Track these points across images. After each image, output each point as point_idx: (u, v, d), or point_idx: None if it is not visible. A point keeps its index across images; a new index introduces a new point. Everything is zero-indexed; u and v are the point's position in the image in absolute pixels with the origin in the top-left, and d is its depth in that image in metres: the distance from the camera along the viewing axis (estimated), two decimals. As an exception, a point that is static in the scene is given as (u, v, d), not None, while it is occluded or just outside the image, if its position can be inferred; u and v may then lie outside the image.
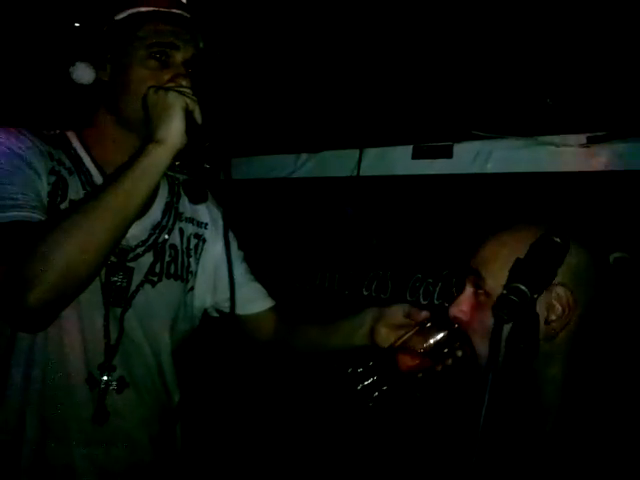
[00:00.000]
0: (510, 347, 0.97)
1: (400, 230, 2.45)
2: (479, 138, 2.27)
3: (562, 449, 1.04)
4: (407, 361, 1.26)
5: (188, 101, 1.29)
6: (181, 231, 1.57)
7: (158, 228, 1.51)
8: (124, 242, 1.37)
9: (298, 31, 2.40)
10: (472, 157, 2.29)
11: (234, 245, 1.66)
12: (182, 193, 1.61)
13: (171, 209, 1.57)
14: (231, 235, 1.60)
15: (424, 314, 1.35)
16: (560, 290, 1.05)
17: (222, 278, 1.59)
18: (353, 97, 2.52)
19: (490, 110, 2.26)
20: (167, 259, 1.52)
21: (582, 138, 2.04)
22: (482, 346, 1.09)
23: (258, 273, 1.75)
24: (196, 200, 1.48)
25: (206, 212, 1.64)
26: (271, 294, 1.73)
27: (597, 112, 2.03)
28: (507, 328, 0.96)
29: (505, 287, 0.98)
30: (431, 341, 1.25)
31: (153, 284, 1.48)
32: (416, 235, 2.41)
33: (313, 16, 2.29)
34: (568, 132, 2.08)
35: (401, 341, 1.30)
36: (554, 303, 1.05)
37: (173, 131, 1.27)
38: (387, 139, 2.48)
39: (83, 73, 1.42)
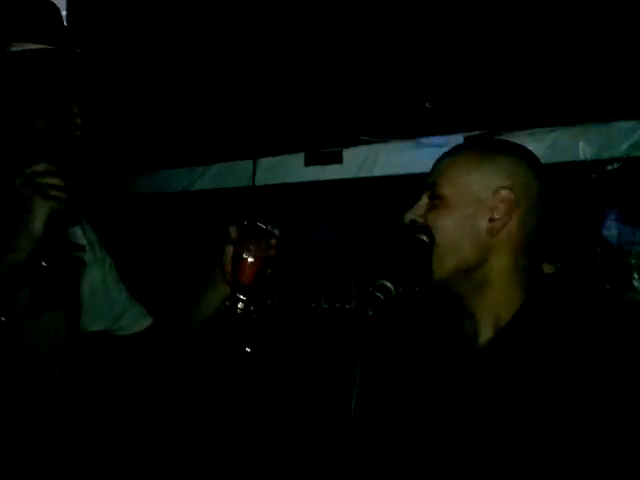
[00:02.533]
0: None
1: (296, 237, 2.51)
2: (366, 143, 2.36)
3: (520, 337, 1.16)
4: (246, 272, 1.37)
5: (53, 204, 1.24)
6: (58, 256, 1.50)
7: (33, 256, 1.39)
8: None
9: (186, 47, 2.44)
10: (361, 161, 2.37)
11: (112, 266, 1.65)
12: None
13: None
14: (108, 257, 1.63)
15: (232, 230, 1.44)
16: (503, 192, 1.19)
17: (109, 301, 1.61)
18: (244, 109, 2.57)
19: (375, 116, 2.36)
20: (47, 288, 1.45)
21: (460, 138, 2.16)
22: (443, 244, 1.19)
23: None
24: (71, 223, 1.47)
25: (82, 234, 1.59)
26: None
27: (471, 113, 2.16)
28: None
29: (371, 285, 1.07)
30: (251, 245, 1.39)
31: (34, 318, 1.41)
32: (311, 240, 2.47)
33: (201, 28, 2.33)
34: (447, 133, 2.19)
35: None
36: (498, 205, 1.19)
37: (32, 233, 1.23)
38: (279, 148, 2.54)
39: None
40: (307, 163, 2.48)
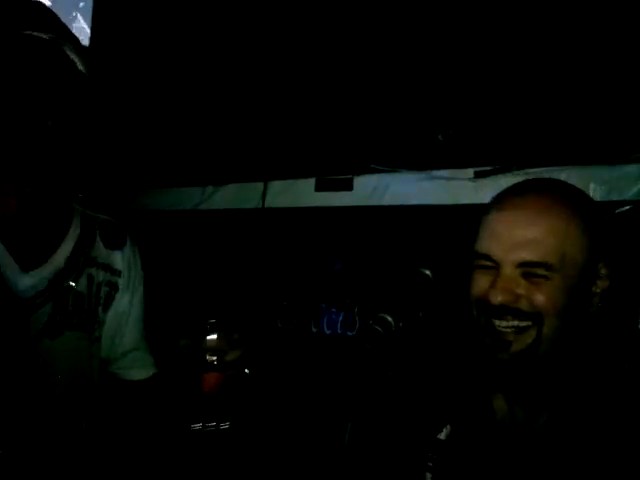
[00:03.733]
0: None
1: (304, 260, 2.52)
2: (377, 172, 2.38)
3: (577, 415, 1.06)
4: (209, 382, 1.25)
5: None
6: (90, 278, 1.42)
7: (61, 275, 1.36)
8: (20, 294, 1.26)
9: (203, 67, 2.46)
10: (371, 190, 2.38)
11: (141, 304, 1.56)
12: (98, 236, 1.45)
13: (80, 253, 1.41)
14: (140, 291, 1.53)
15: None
16: (604, 267, 1.07)
17: (122, 333, 1.52)
18: (258, 132, 2.60)
19: (387, 145, 2.38)
20: (70, 309, 1.37)
21: (470, 172, 2.17)
22: (548, 327, 1.04)
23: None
24: (112, 245, 1.41)
25: (122, 259, 1.49)
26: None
27: (483, 149, 2.17)
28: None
29: (371, 317, 1.02)
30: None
31: (52, 337, 1.34)
32: (320, 264, 2.48)
33: (217, 52, 2.36)
34: (457, 167, 2.21)
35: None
36: (597, 279, 1.07)
37: None
38: (291, 172, 2.55)
39: None
40: (318, 188, 2.50)
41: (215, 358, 1.23)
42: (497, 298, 1.04)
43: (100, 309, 1.44)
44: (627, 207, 1.95)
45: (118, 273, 1.47)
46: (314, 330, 2.51)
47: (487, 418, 1.14)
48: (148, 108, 2.91)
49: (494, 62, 2.09)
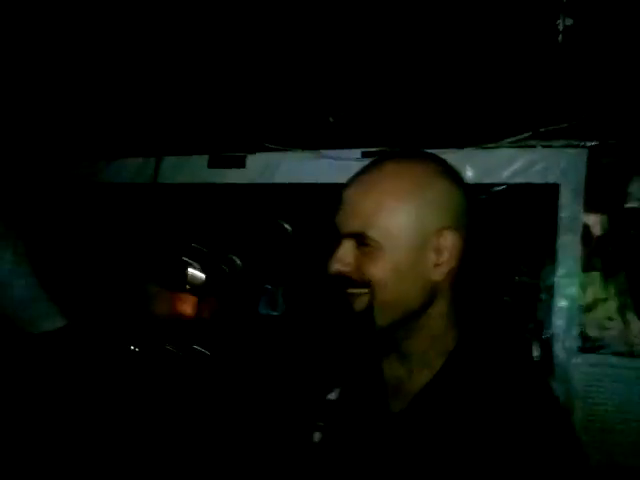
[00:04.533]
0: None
1: (198, 235, 2.53)
2: (270, 150, 2.42)
3: (453, 382, 1.10)
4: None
5: None
6: None
7: None
8: None
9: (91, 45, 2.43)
10: (262, 167, 2.42)
11: (24, 258, 1.56)
12: None
13: None
14: (21, 247, 1.55)
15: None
16: (448, 235, 1.09)
17: (11, 294, 1.53)
18: (151, 107, 2.58)
19: (280, 125, 2.42)
20: None
21: (357, 152, 2.25)
22: (377, 296, 1.08)
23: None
24: None
25: None
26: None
27: (370, 131, 2.25)
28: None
29: (219, 256, 1.04)
30: None
31: None
32: (212, 240, 2.50)
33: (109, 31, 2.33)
34: (346, 147, 2.28)
35: None
36: (442, 248, 1.09)
37: None
38: (184, 148, 2.56)
39: None
40: (211, 165, 2.51)
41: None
42: (332, 268, 1.11)
43: None
44: (502, 187, 2.08)
45: None
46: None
47: (375, 379, 1.20)
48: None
49: (382, 47, 2.17)
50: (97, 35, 2.51)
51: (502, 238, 2.05)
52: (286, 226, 1.15)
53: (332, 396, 1.18)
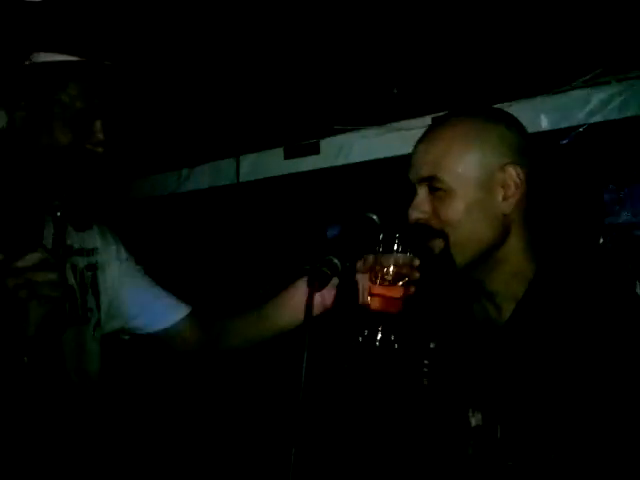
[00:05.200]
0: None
1: (283, 228, 2.60)
2: (341, 132, 2.46)
3: (537, 306, 1.16)
4: (383, 297, 1.16)
5: (49, 307, 1.14)
6: (73, 267, 1.44)
7: None
8: None
9: (153, 54, 2.51)
10: (337, 150, 2.46)
11: (131, 262, 1.59)
12: (67, 224, 1.44)
13: (59, 247, 1.38)
14: (125, 253, 1.56)
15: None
16: (511, 169, 1.16)
17: (124, 299, 1.53)
18: (224, 111, 2.66)
19: (347, 105, 2.45)
20: (66, 305, 1.37)
21: (428, 119, 2.24)
22: (454, 236, 1.16)
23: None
24: (81, 227, 1.44)
25: (94, 236, 1.52)
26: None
27: (437, 95, 2.24)
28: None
29: (319, 260, 1.07)
30: (391, 266, 1.15)
31: (54, 336, 1.33)
32: (298, 230, 2.57)
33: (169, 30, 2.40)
34: (415, 116, 2.28)
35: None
36: (508, 182, 1.16)
37: (25, 336, 1.14)
38: (260, 144, 2.63)
39: None
40: (287, 156, 2.57)
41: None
42: (411, 216, 1.19)
43: (89, 297, 1.45)
44: (581, 129, 2.03)
45: (93, 251, 1.50)
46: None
47: (467, 320, 1.28)
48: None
49: (433, 10, 2.15)
50: (175, 41, 2.59)
51: (587, 180, 2.01)
52: (374, 217, 1.18)
53: (432, 345, 1.29)
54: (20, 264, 1.10)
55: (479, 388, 1.19)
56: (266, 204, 2.63)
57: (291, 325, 1.50)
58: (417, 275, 1.16)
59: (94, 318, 1.47)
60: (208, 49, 2.49)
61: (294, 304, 1.45)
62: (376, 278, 1.16)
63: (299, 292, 1.44)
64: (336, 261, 1.08)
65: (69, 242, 1.45)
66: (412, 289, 1.17)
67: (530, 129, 2.00)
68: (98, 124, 1.32)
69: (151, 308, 1.56)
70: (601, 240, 1.95)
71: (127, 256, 1.58)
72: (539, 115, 2.07)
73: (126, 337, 1.62)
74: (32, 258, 1.10)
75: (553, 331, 1.13)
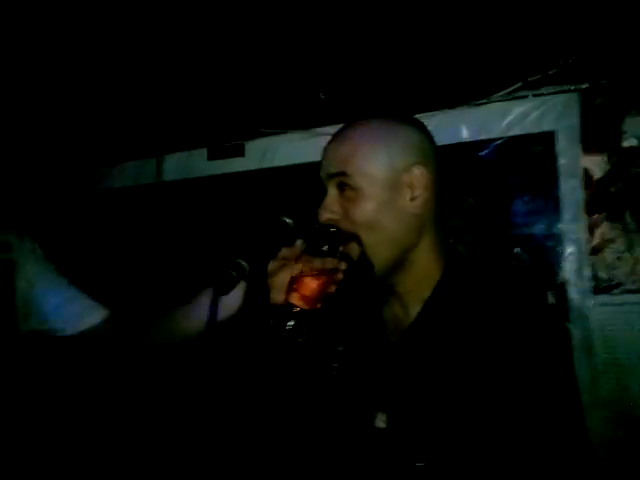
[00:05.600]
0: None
1: (204, 229, 2.56)
2: (266, 135, 2.44)
3: (442, 307, 1.18)
4: (306, 291, 1.14)
5: None
6: None
7: None
8: None
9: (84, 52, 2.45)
10: (262, 153, 2.45)
11: (45, 261, 1.55)
12: None
13: None
14: (40, 251, 1.53)
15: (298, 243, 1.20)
16: (417, 170, 1.18)
17: (38, 297, 1.50)
18: (148, 109, 2.61)
19: (274, 108, 2.44)
20: None
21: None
22: (366, 238, 1.16)
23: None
24: None
25: (6, 232, 1.50)
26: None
27: (361, 103, 2.26)
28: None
29: (226, 262, 1.06)
30: (316, 261, 1.14)
31: None
32: (219, 232, 2.53)
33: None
34: (341, 122, 2.28)
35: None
36: (414, 182, 1.18)
37: None
38: (183, 144, 2.58)
39: None
40: (210, 157, 2.54)
41: None
42: (322, 216, 1.20)
43: (5, 290, 1.43)
44: (499, 141, 2.09)
45: (9, 247, 1.46)
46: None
47: (375, 321, 1.28)
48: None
49: (363, 14, 2.17)
50: (93, 39, 2.52)
51: (504, 191, 2.06)
52: (287, 220, 1.17)
53: (341, 348, 1.29)
54: None
55: (384, 389, 1.20)
56: (188, 204, 2.59)
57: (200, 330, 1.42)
58: (340, 277, 1.16)
59: (8, 314, 1.45)
60: (140, 45, 2.44)
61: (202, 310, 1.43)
62: (300, 275, 1.15)
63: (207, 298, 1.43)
64: (244, 264, 1.07)
65: None
66: (333, 289, 1.16)
67: (451, 139, 2.09)
68: None
69: (66, 309, 1.52)
70: (516, 250, 2.00)
71: (41, 253, 1.54)
72: (460, 126, 2.11)
73: (45, 341, 1.55)
74: None
75: (458, 332, 1.14)
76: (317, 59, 2.35)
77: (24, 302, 1.48)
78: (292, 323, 1.14)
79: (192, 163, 2.58)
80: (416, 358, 1.18)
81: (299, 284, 1.14)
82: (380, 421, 1.17)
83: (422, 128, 1.26)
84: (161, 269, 2.65)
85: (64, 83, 2.64)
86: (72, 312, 1.53)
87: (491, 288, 1.19)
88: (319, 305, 1.15)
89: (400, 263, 1.20)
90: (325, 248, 1.15)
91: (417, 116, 2.08)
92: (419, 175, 1.18)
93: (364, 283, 1.23)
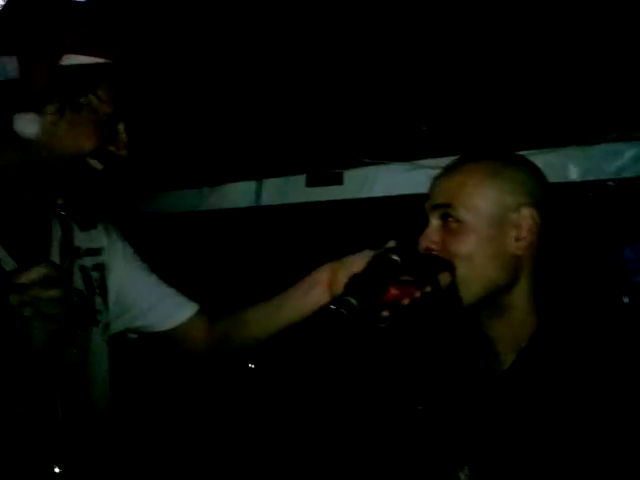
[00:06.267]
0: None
1: (300, 255, 2.58)
2: (366, 164, 2.44)
3: (540, 357, 1.14)
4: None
5: (53, 326, 1.10)
6: (82, 269, 1.41)
7: None
8: None
9: (189, 70, 2.53)
10: (360, 182, 2.45)
11: (136, 260, 1.56)
12: (72, 224, 1.43)
13: (67, 249, 1.38)
14: (130, 251, 1.54)
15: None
16: (526, 211, 1.16)
17: (131, 298, 1.50)
18: (249, 132, 2.66)
19: (375, 138, 2.44)
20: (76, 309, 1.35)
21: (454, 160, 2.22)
22: (462, 270, 1.15)
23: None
24: (86, 226, 1.42)
25: (100, 235, 1.50)
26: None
27: (466, 137, 2.23)
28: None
29: (336, 300, 1.05)
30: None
31: (72, 343, 1.33)
32: (315, 259, 2.54)
33: (205, 51, 2.42)
34: (442, 155, 2.26)
35: None
36: (522, 223, 1.16)
37: (30, 353, 1.11)
38: (282, 169, 2.62)
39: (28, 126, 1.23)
40: (309, 184, 2.56)
41: None
42: (421, 245, 1.19)
43: (97, 298, 1.43)
44: (609, 182, 2.01)
45: (100, 251, 1.47)
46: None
47: (463, 367, 1.25)
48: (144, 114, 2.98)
49: (470, 53, 2.14)
50: (194, 64, 2.60)
51: (614, 236, 1.98)
52: (395, 257, 1.16)
53: (427, 380, 1.28)
54: (24, 280, 1.06)
55: (470, 440, 1.16)
56: (285, 229, 2.62)
57: (303, 316, 1.45)
58: (417, 295, 1.13)
59: (103, 320, 1.45)
60: (239, 72, 2.50)
61: (316, 292, 1.42)
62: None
63: (322, 278, 1.43)
64: (354, 301, 1.06)
65: (76, 244, 1.42)
66: (406, 301, 1.13)
67: (558, 178, 2.03)
68: (122, 126, 1.30)
69: (159, 307, 1.53)
70: (626, 299, 1.92)
71: (132, 254, 1.56)
72: (568, 165, 2.05)
73: (134, 336, 1.59)
74: (35, 273, 1.06)
75: (553, 388, 1.10)
76: (421, 91, 2.34)
77: (116, 302, 1.50)
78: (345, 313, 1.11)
79: (290, 189, 2.60)
80: (506, 410, 1.14)
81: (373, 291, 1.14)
82: (463, 474, 1.15)
83: (534, 170, 1.24)
84: (253, 291, 2.69)
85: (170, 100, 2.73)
86: (166, 308, 1.55)
87: (592, 343, 1.13)
88: (385, 313, 1.14)
89: (493, 305, 1.17)
90: (417, 267, 1.15)
91: (523, 153, 2.10)
92: (528, 216, 1.16)
93: (454, 322, 1.23)
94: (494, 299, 1.16)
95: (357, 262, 1.29)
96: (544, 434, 1.07)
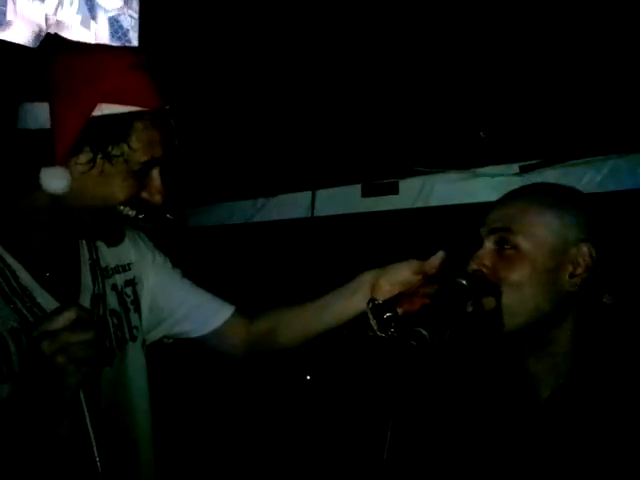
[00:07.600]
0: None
1: (355, 265, 2.55)
2: (421, 173, 2.40)
3: (581, 392, 1.10)
4: (409, 306, 1.13)
5: (87, 369, 1.08)
6: (114, 288, 1.40)
7: (96, 300, 1.33)
8: None
9: (246, 84, 2.54)
10: (416, 192, 2.40)
11: (167, 267, 1.53)
12: (97, 243, 1.41)
13: (96, 269, 1.37)
14: (160, 258, 1.51)
15: (436, 262, 1.18)
16: (584, 247, 1.10)
17: (166, 306, 1.48)
18: (304, 143, 2.65)
19: (430, 147, 2.39)
20: (112, 330, 1.35)
21: (515, 167, 2.17)
22: (509, 298, 1.11)
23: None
24: (112, 242, 1.38)
25: (128, 250, 1.47)
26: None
27: (526, 143, 2.17)
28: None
29: (407, 330, 1.01)
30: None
31: (111, 363, 1.33)
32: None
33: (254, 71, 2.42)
34: (501, 162, 2.20)
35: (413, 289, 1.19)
36: (579, 259, 1.10)
37: (62, 402, 1.10)
38: (337, 180, 2.60)
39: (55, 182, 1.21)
40: (364, 194, 2.53)
41: None
42: (470, 265, 1.13)
43: (132, 314, 1.42)
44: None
45: (129, 266, 1.45)
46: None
47: (500, 398, 1.20)
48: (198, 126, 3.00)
49: (530, 59, 2.09)
50: (250, 78, 2.61)
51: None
52: (463, 282, 1.12)
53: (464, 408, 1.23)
54: (53, 326, 1.04)
55: (508, 473, 1.12)
56: (340, 240, 2.59)
57: (345, 321, 1.41)
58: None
59: (140, 335, 1.43)
60: (296, 84, 2.49)
61: (357, 297, 1.37)
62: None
63: (364, 284, 1.38)
64: (424, 333, 1.02)
65: (104, 263, 1.39)
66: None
67: (627, 185, 1.95)
68: (156, 172, 1.25)
69: (195, 312, 1.50)
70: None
71: (163, 261, 1.52)
72: (636, 170, 1.97)
73: (169, 341, 1.57)
74: (64, 318, 1.05)
75: (595, 420, 1.05)
76: (478, 96, 2.29)
77: (151, 313, 1.48)
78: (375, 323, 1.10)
79: (346, 199, 2.58)
80: (545, 443, 1.10)
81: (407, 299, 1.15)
82: None
83: (592, 206, 1.18)
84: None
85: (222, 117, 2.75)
86: (203, 313, 1.51)
87: (631, 386, 1.08)
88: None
89: (536, 338, 1.13)
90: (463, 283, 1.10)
91: (583, 160, 2.03)
92: (586, 253, 1.10)
93: (493, 352, 1.18)
94: (537, 332, 1.12)
95: (401, 269, 1.27)
96: (582, 467, 1.04)
